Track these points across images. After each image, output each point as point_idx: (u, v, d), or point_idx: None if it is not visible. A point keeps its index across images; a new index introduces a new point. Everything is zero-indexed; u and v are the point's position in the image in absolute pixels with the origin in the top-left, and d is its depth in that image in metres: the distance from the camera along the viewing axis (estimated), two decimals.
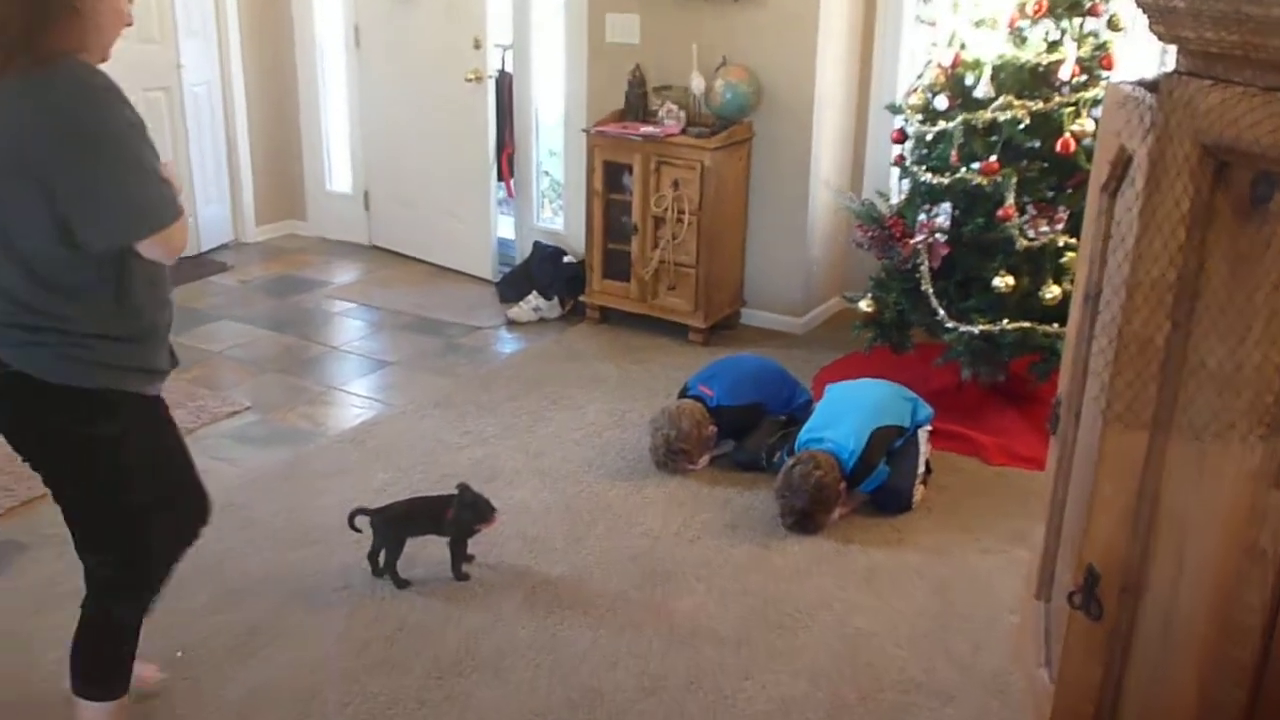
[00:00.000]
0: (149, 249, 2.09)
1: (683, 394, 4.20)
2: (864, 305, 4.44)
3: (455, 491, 3.35)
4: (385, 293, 5.93)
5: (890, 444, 3.78)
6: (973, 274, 4.16)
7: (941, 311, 4.15)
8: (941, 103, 4.14)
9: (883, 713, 2.80)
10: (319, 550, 3.45)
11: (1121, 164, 1.58)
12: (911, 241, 4.18)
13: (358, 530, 3.28)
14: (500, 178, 6.55)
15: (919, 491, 3.79)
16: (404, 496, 3.50)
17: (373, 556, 3.30)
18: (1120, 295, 1.52)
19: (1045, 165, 4.03)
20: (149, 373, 2.24)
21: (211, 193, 6.48)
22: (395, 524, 3.30)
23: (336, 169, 6.80)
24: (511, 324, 5.51)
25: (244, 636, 3.02)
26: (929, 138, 4.23)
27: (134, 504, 2.28)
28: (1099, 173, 1.74)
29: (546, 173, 6.33)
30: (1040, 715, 1.91)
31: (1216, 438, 1.47)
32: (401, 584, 3.26)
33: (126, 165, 2.02)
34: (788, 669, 2.96)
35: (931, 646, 3.07)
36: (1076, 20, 4.01)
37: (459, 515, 3.27)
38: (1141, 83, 1.62)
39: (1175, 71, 1.47)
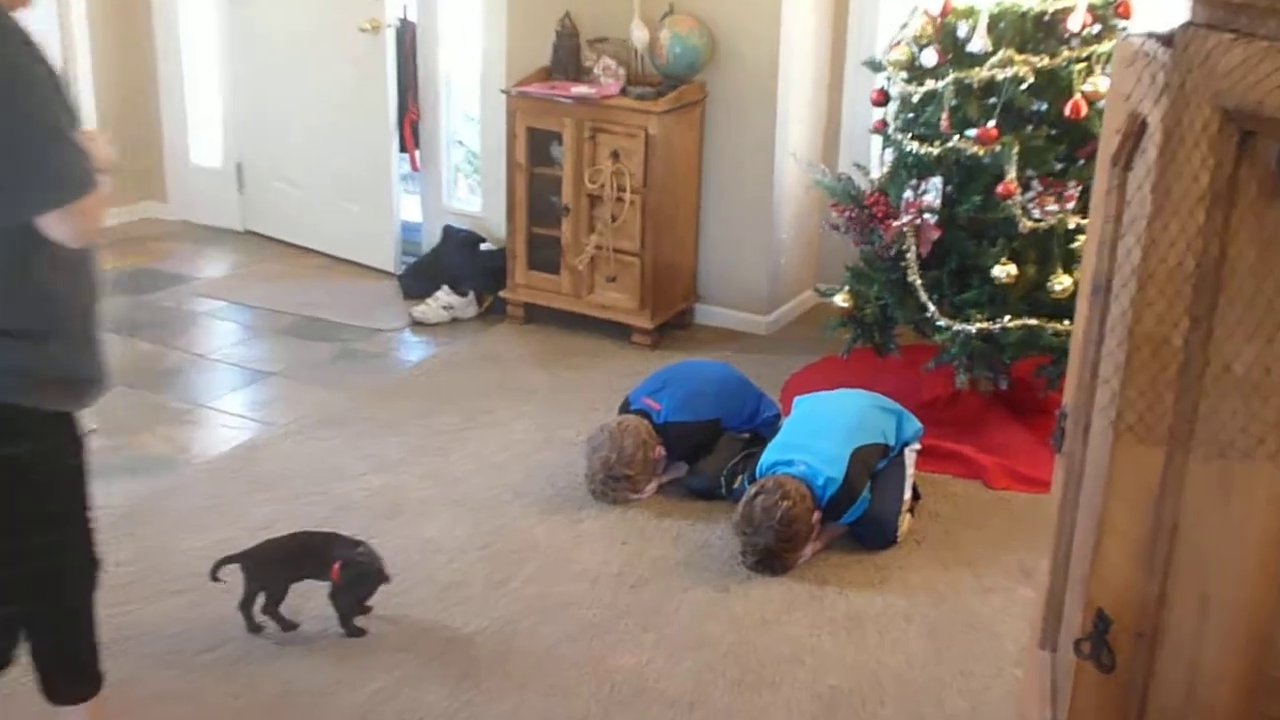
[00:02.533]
0: (55, 225, 2.06)
1: (625, 409, 4.21)
2: (840, 300, 4.47)
3: (346, 536, 3.35)
4: (263, 288, 5.88)
5: (873, 466, 3.80)
6: (969, 262, 4.19)
7: (932, 307, 4.19)
8: (930, 58, 4.18)
9: None
10: (185, 603, 3.41)
11: (1133, 133, 1.60)
12: (896, 223, 4.21)
13: (220, 581, 3.26)
14: (403, 149, 6.54)
15: (905, 521, 3.82)
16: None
17: (245, 607, 3.28)
18: (1131, 287, 1.54)
19: (1052, 132, 4.07)
20: (69, 383, 2.21)
21: None
22: (273, 567, 3.29)
23: (203, 139, 6.72)
24: (418, 325, 5.49)
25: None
26: (915, 99, 4.26)
27: (47, 543, 2.28)
28: (1108, 143, 1.76)
29: (460, 142, 6.31)
30: None
31: (1244, 455, 1.50)
32: (288, 626, 3.26)
33: (38, 121, 2.00)
34: None
35: (922, 706, 3.08)
36: None
37: (346, 577, 3.27)
38: (1154, 35, 1.63)
39: (1190, 23, 1.47)
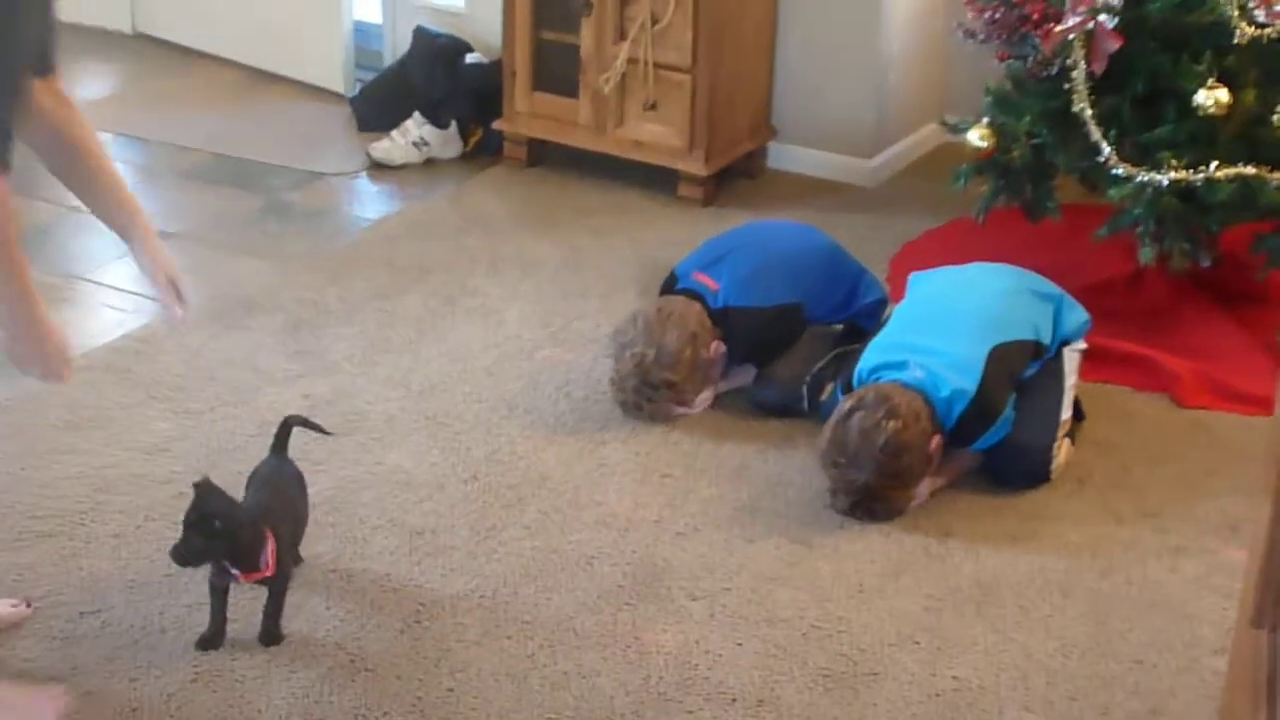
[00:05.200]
0: None
1: (669, 287, 4.20)
2: (976, 137, 4.42)
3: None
4: (161, 115, 5.88)
5: (1018, 374, 3.79)
6: (1161, 84, 4.16)
7: (1107, 148, 4.15)
8: None
9: None
10: (55, 551, 3.44)
11: None
12: (1059, 27, 4.16)
13: None
14: None
15: (1063, 451, 3.81)
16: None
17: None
18: None
19: None
20: None
21: None
22: None
23: None
24: (378, 168, 5.49)
25: None
26: None
27: None
28: None
29: None
30: None
31: None
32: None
33: None
34: None
35: (1082, 711, 3.07)
36: None
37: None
38: None
39: None
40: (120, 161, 5.43)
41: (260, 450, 3.48)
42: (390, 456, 3.82)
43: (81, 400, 4.02)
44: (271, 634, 3.19)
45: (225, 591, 3.17)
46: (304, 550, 3.40)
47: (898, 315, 3.98)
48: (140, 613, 3.26)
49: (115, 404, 4.02)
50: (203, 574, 3.21)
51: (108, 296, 4.60)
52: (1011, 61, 4.42)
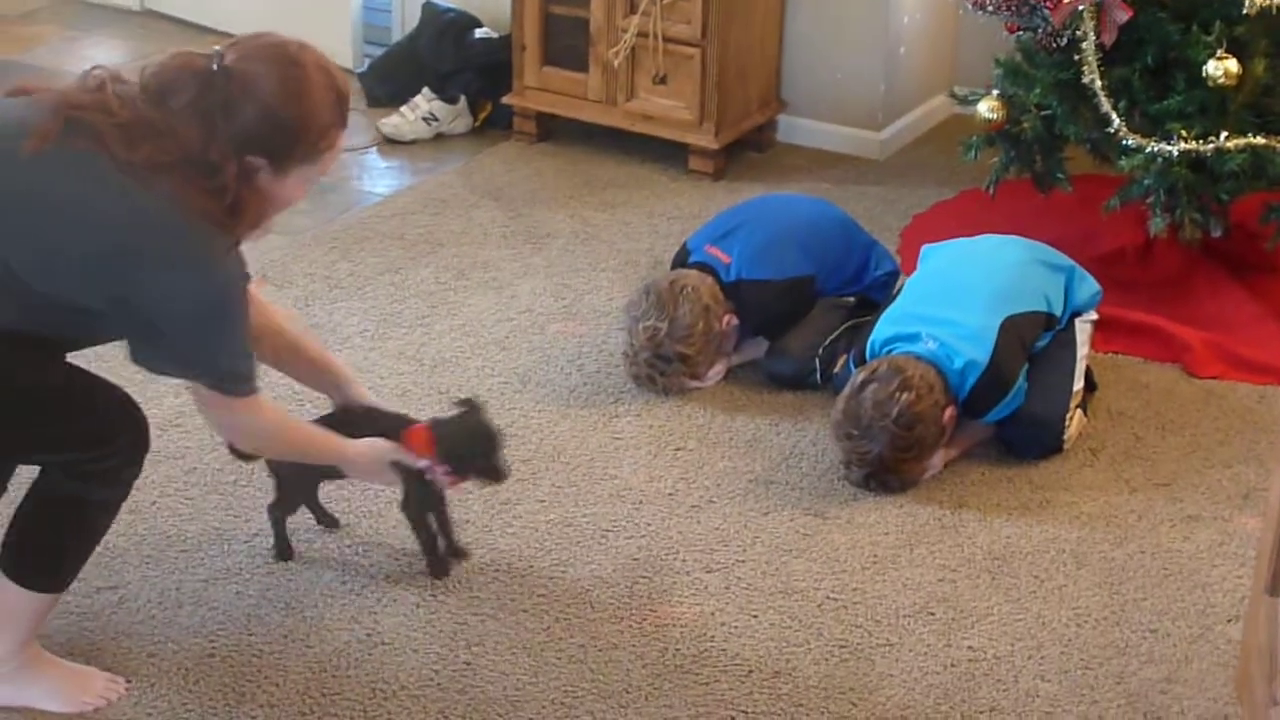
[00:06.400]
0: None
1: (681, 261, 4.20)
2: (985, 109, 4.42)
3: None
4: None
5: (1031, 344, 3.79)
6: (1171, 55, 4.14)
7: (1117, 119, 4.14)
8: None
9: None
10: None
11: None
12: None
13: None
14: None
15: (1075, 422, 3.81)
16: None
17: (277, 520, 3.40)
18: None
19: None
20: None
21: None
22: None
23: None
24: (388, 143, 5.48)
25: None
26: None
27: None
28: None
29: None
30: None
31: None
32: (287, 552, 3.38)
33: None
34: (857, 718, 2.97)
35: (1097, 679, 3.08)
36: None
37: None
38: None
39: None
40: None
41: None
42: None
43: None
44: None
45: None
46: (320, 526, 3.45)
47: (909, 287, 3.97)
48: (156, 588, 3.28)
49: (126, 380, 3.94)
50: (218, 548, 3.25)
51: None
52: (1021, 33, 4.40)
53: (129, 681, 2.99)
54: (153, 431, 3.73)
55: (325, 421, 3.26)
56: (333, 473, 3.26)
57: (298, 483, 3.38)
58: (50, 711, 2.92)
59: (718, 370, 4.07)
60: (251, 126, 2.62)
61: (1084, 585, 3.35)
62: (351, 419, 3.23)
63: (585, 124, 5.38)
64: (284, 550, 3.37)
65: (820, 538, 3.48)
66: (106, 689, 2.97)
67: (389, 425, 3.20)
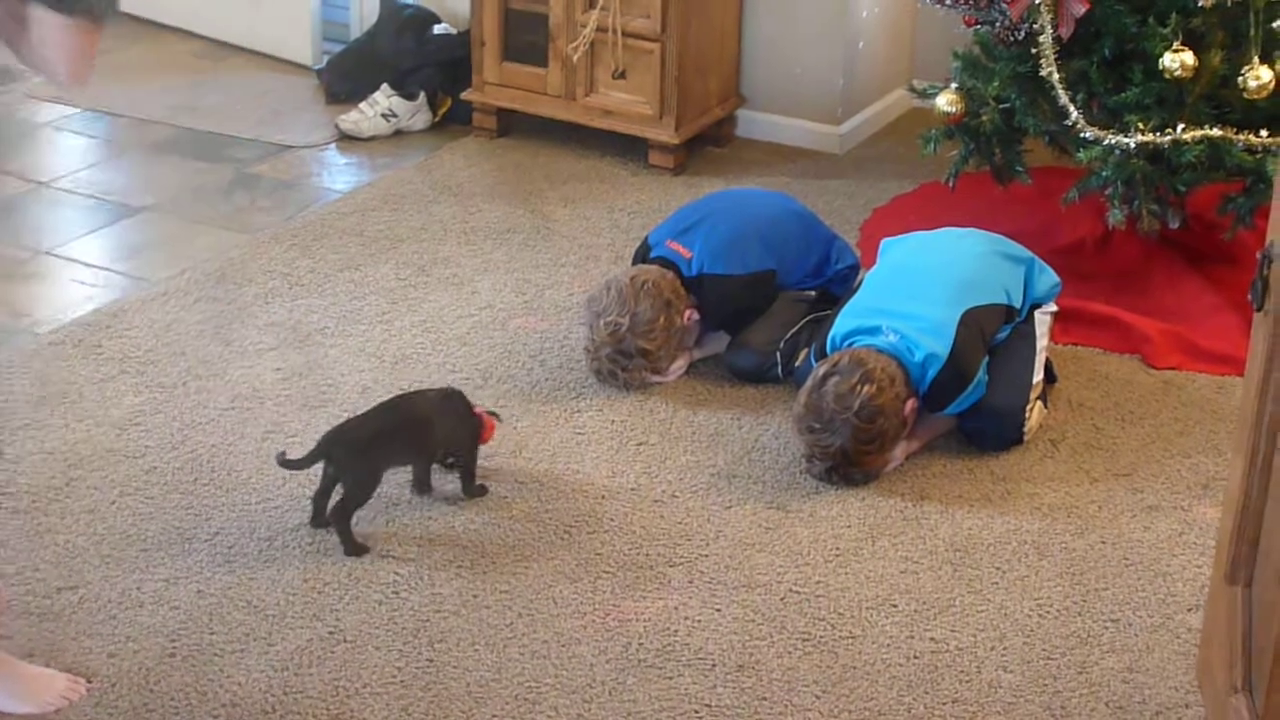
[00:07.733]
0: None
1: (643, 256, 4.20)
2: (944, 103, 4.42)
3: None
4: (128, 88, 5.82)
5: (991, 337, 3.79)
6: (1128, 47, 4.15)
7: (1075, 112, 4.14)
8: None
9: None
10: (27, 525, 3.43)
11: None
12: None
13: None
14: None
15: (1035, 414, 3.82)
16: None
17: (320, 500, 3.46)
18: None
19: None
20: None
21: None
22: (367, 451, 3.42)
23: None
24: (347, 140, 5.47)
25: None
26: None
27: None
28: None
29: None
30: None
31: None
32: (358, 549, 3.40)
33: None
34: (820, 710, 2.97)
35: (1059, 669, 3.09)
36: None
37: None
38: None
39: None
40: (86, 136, 5.46)
41: (232, 423, 3.48)
42: None
43: (51, 375, 4.00)
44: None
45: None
46: (282, 524, 3.44)
47: (870, 280, 3.97)
48: (117, 587, 3.26)
49: (85, 379, 4.00)
50: (179, 548, 3.23)
51: (76, 271, 4.57)
52: (979, 27, 4.40)
53: (90, 682, 2.98)
54: (111, 431, 3.77)
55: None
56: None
57: (368, 482, 3.41)
58: (11, 713, 2.89)
59: (679, 365, 4.07)
60: None
61: (1046, 576, 3.35)
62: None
63: (545, 119, 5.37)
64: (358, 546, 3.38)
65: (783, 531, 3.49)
66: (68, 689, 2.94)
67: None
